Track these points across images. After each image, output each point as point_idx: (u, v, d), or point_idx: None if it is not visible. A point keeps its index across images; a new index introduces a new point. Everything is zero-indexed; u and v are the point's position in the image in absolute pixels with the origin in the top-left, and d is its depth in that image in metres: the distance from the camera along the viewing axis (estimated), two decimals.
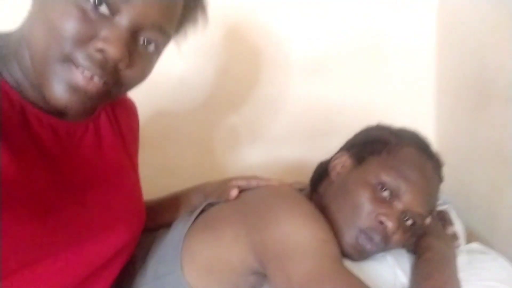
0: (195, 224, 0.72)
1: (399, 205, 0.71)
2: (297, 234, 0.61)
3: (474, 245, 0.90)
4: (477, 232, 1.06)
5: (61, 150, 0.56)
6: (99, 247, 0.59)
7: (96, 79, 0.48)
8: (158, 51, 0.54)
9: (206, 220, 0.72)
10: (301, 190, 0.86)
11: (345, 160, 0.80)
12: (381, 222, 0.70)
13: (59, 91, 0.47)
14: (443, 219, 0.82)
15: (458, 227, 0.89)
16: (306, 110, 1.26)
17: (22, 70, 0.51)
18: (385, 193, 0.72)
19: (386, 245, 0.72)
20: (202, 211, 0.74)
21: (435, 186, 0.76)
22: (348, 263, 0.71)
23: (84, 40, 0.46)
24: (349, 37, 1.27)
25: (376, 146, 0.77)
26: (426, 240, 0.74)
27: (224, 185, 0.80)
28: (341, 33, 1.26)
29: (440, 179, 0.78)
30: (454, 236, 0.79)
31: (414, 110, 1.33)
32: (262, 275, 0.66)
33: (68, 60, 0.47)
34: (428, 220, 0.77)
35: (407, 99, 1.35)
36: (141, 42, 0.51)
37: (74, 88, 0.47)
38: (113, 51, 0.46)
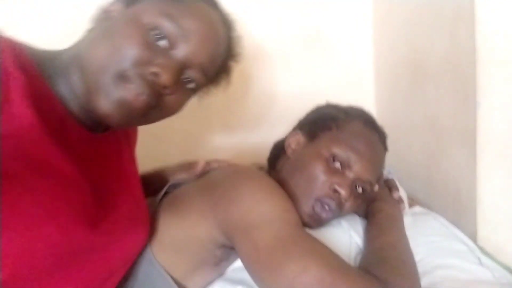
0: (161, 205, 0.74)
1: (350, 174, 0.77)
2: (260, 206, 0.64)
3: (417, 208, 1.01)
4: (417, 198, 1.17)
5: (91, 159, 0.60)
6: (121, 252, 0.62)
7: (143, 96, 0.54)
8: (195, 91, 0.63)
9: (171, 201, 0.74)
10: (260, 168, 0.90)
11: (299, 138, 0.85)
12: (335, 191, 0.75)
13: (106, 102, 0.53)
14: (389, 185, 0.90)
15: (402, 193, 0.98)
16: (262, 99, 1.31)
17: (70, 85, 0.56)
18: (337, 164, 0.77)
19: (340, 211, 0.78)
20: (166, 193, 0.77)
21: (381, 155, 0.84)
22: (307, 231, 0.76)
23: (142, 62, 0.53)
24: (293, 28, 1.35)
25: (326, 122, 0.83)
26: (375, 204, 0.81)
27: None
28: (286, 24, 1.33)
29: (385, 149, 0.85)
30: (400, 200, 0.87)
31: (355, 92, 1.43)
32: (228, 248, 0.69)
33: (122, 77, 0.53)
34: (376, 187, 0.85)
35: (349, 82, 1.45)
36: (185, 78, 0.59)
37: (121, 102, 0.53)
38: (165, 76, 0.53)
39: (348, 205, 0.78)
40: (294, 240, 0.60)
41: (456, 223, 0.98)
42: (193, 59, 0.58)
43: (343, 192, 0.75)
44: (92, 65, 0.53)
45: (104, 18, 0.59)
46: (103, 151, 0.64)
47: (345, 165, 0.77)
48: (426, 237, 0.81)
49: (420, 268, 0.73)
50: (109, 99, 0.53)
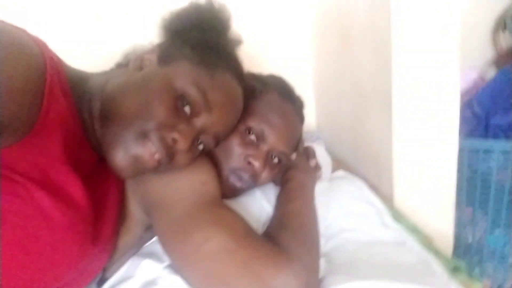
0: None
1: (264, 147, 0.78)
2: (176, 180, 0.65)
3: (339, 173, 1.04)
4: (345, 161, 1.21)
5: (96, 180, 0.62)
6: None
7: (157, 156, 0.57)
8: (203, 151, 0.67)
9: None
10: None
11: None
12: (249, 163, 0.77)
13: (123, 156, 0.56)
14: (307, 153, 0.92)
15: (324, 159, 1.01)
16: None
17: (90, 113, 0.59)
18: (252, 137, 0.78)
19: (256, 182, 0.80)
20: None
21: (297, 126, 0.85)
22: (226, 201, 0.78)
23: (165, 126, 0.57)
24: None
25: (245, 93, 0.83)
26: (288, 172, 0.83)
27: None
28: None
29: (301, 119, 0.87)
30: (316, 167, 0.89)
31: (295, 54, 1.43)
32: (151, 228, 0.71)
33: (143, 135, 0.56)
34: (293, 156, 0.87)
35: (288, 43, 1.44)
36: (198, 142, 0.64)
37: (137, 159, 0.57)
38: (183, 143, 0.58)
39: (264, 175, 0.80)
40: (204, 211, 0.61)
41: (376, 185, 1.04)
42: (210, 128, 0.63)
43: (256, 163, 0.76)
44: (117, 115, 0.56)
45: (138, 66, 0.63)
46: (105, 174, 0.64)
47: (259, 138, 0.79)
48: (338, 202, 0.84)
49: (328, 231, 0.77)
50: (125, 155, 0.56)
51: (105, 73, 0.65)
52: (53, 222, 0.51)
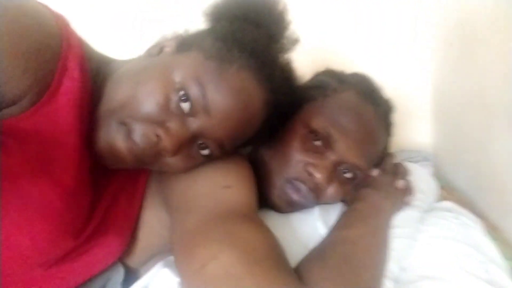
0: None
1: (331, 156, 0.64)
2: (198, 183, 0.56)
3: (445, 203, 0.80)
4: (460, 190, 0.95)
5: (104, 173, 0.58)
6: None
7: (136, 151, 0.51)
8: (209, 157, 0.56)
9: None
10: None
11: None
12: (310, 173, 0.63)
13: (102, 141, 0.51)
14: (396, 171, 0.73)
15: (427, 185, 0.79)
16: None
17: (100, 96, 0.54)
18: (317, 143, 0.65)
19: (318, 198, 0.65)
20: None
21: (379, 134, 0.68)
22: (274, 215, 0.65)
23: (152, 120, 0.50)
24: None
25: (314, 91, 0.70)
26: (362, 190, 0.66)
27: None
28: None
29: (387, 126, 0.69)
30: (405, 191, 0.69)
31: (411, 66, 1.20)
32: None
33: (124, 124, 0.50)
34: (375, 173, 0.69)
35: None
36: (198, 143, 0.54)
37: (113, 147, 0.51)
38: (168, 143, 0.50)
39: (329, 191, 0.65)
40: (218, 222, 0.50)
41: (497, 226, 0.80)
42: (209, 133, 0.53)
43: (318, 175, 0.63)
44: (108, 100, 0.52)
45: (155, 53, 0.57)
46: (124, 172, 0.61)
47: (326, 144, 0.64)
48: (428, 239, 0.64)
49: (403, 275, 0.58)
50: (104, 139, 0.51)
51: (128, 59, 0.59)
52: (26, 198, 0.46)
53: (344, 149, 0.63)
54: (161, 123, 0.50)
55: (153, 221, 0.64)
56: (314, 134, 0.65)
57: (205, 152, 0.55)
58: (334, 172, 0.65)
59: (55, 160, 0.48)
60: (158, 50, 0.57)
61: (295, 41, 0.62)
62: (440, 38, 1.10)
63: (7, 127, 0.44)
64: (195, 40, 0.56)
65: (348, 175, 0.66)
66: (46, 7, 0.48)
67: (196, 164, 0.56)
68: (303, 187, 0.64)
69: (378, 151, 0.69)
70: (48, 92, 0.45)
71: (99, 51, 0.59)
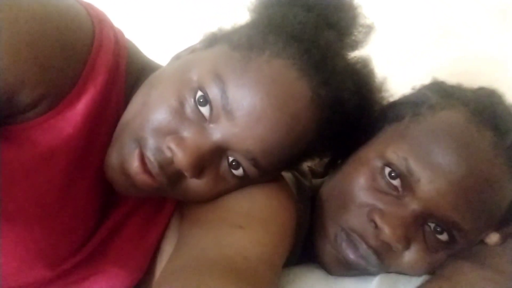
0: None
1: (413, 204, 0.43)
2: (208, 212, 0.45)
3: None
4: None
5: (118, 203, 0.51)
6: None
7: (147, 175, 0.40)
8: (244, 178, 0.44)
9: None
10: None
11: None
12: (375, 224, 0.44)
13: (111, 164, 0.42)
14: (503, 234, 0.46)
15: None
16: None
17: None
18: (394, 182, 0.45)
19: (385, 262, 0.45)
20: None
21: (497, 177, 0.43)
22: (318, 276, 0.47)
23: (163, 131, 0.40)
24: None
25: (402, 108, 0.49)
26: (456, 262, 0.44)
27: None
28: None
29: (505, 163, 0.44)
30: None
31: None
32: None
33: (136, 141, 0.41)
34: (493, 239, 0.45)
35: None
36: (230, 161, 0.42)
37: (124, 170, 0.41)
38: (181, 157, 0.39)
39: (408, 257, 0.45)
40: (200, 272, 0.36)
41: None
42: (234, 145, 0.40)
43: (387, 230, 0.42)
44: (125, 114, 0.44)
45: (183, 55, 0.49)
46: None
47: (407, 185, 0.44)
48: None
49: None
50: (115, 160, 0.42)
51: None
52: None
53: (434, 195, 0.42)
54: (173, 132, 0.40)
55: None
56: (390, 168, 0.45)
57: (239, 172, 0.42)
58: (416, 228, 0.44)
59: (42, 178, 0.41)
60: (189, 52, 0.48)
61: (368, 31, 0.46)
62: None
63: (15, 132, 0.39)
64: (226, 32, 0.46)
65: (442, 236, 0.44)
66: (89, 5, 0.42)
67: (228, 189, 0.44)
68: (362, 244, 0.45)
69: (497, 205, 0.45)
70: (65, 100, 0.39)
71: (147, 57, 0.51)
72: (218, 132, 0.40)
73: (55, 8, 0.38)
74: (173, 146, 0.39)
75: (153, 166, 0.40)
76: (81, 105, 0.40)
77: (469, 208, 0.43)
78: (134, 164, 0.40)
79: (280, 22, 0.42)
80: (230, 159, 0.42)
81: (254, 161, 0.41)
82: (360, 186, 0.46)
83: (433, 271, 0.46)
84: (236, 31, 0.45)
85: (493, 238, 0.45)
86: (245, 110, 0.39)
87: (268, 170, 0.43)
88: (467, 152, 0.43)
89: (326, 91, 0.41)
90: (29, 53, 0.35)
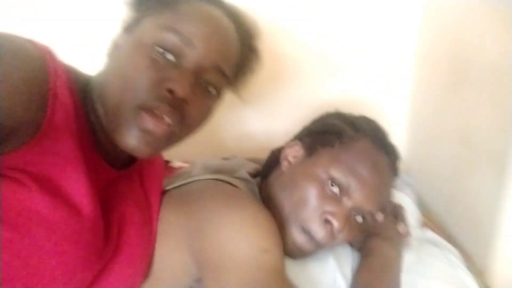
0: None
1: (348, 203, 0.67)
2: (235, 242, 0.56)
3: (429, 234, 0.89)
4: (436, 214, 1.05)
5: (113, 197, 0.59)
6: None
7: (165, 119, 0.52)
8: (218, 94, 0.59)
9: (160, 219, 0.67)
10: (254, 176, 0.80)
11: (297, 150, 0.74)
12: (327, 221, 0.66)
13: (130, 136, 0.51)
14: (396, 214, 0.79)
15: (411, 215, 0.86)
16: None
17: (98, 118, 0.56)
18: (335, 189, 0.67)
19: (330, 243, 0.69)
20: None
21: (388, 182, 0.72)
22: (289, 262, 0.68)
23: (155, 84, 0.51)
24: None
25: (329, 136, 0.71)
26: (372, 241, 0.71)
27: None
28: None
29: (394, 174, 0.73)
30: (405, 234, 0.75)
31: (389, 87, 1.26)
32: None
33: (140, 108, 0.51)
34: (380, 216, 0.74)
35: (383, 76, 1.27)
36: (204, 84, 0.56)
37: (144, 133, 0.51)
38: (181, 89, 0.51)
39: (341, 236, 0.68)
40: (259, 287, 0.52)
41: (470, 254, 0.89)
42: (204, 62, 0.54)
43: (336, 224, 0.65)
44: (110, 101, 0.53)
45: (114, 50, 0.58)
46: (125, 189, 0.62)
47: (343, 191, 0.67)
48: (427, 280, 0.71)
49: None
50: (132, 133, 0.52)
51: (100, 73, 0.59)
52: (51, 226, 0.47)
53: (361, 197, 0.67)
54: (163, 80, 0.51)
55: (169, 259, 0.64)
56: (332, 180, 0.67)
57: (213, 90, 0.57)
58: (349, 218, 0.68)
59: (67, 185, 0.49)
60: (114, 47, 0.58)
61: None
62: (424, 62, 1.16)
63: (13, 162, 0.44)
64: (134, 15, 0.58)
65: (359, 219, 0.70)
66: (30, 41, 0.47)
67: (211, 106, 0.60)
68: (318, 235, 0.66)
69: (387, 196, 0.73)
70: (44, 121, 0.46)
71: (82, 72, 0.59)
72: (190, 61, 0.53)
73: (14, 51, 0.43)
74: (171, 86, 0.51)
75: (164, 110, 0.51)
76: (59, 122, 0.48)
77: (378, 201, 0.69)
78: (150, 122, 0.51)
79: None
80: (203, 82, 0.55)
81: (220, 70, 0.56)
82: (314, 195, 0.67)
83: (353, 241, 0.73)
84: (149, 2, 0.57)
85: (380, 216, 0.74)
86: (198, 35, 0.53)
87: (229, 77, 0.59)
88: (376, 168, 0.69)
89: (230, 13, 0.60)
90: (4, 87, 0.40)
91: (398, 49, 1.23)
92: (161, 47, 0.52)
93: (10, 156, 0.43)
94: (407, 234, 0.75)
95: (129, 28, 0.57)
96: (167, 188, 0.71)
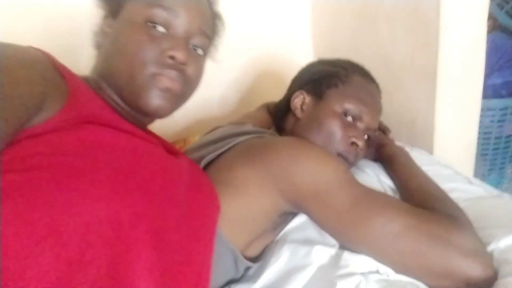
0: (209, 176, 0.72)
1: (361, 126, 0.83)
2: (323, 173, 0.67)
3: None
4: None
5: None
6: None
7: (176, 78, 0.62)
8: (205, 54, 0.69)
9: (217, 174, 0.71)
10: (268, 129, 0.90)
11: (304, 98, 0.87)
12: (353, 143, 0.81)
13: (153, 97, 0.61)
14: (382, 128, 0.99)
15: None
16: None
17: (108, 100, 0.63)
18: (349, 118, 0.83)
19: (358, 160, 0.85)
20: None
21: (380, 102, 0.91)
22: None
23: (158, 54, 0.60)
24: None
25: (329, 80, 0.86)
26: (387, 149, 0.91)
27: None
28: None
29: (380, 96, 0.93)
30: (393, 139, 0.98)
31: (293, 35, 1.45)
32: (287, 213, 0.72)
33: (153, 75, 0.60)
34: (376, 132, 0.93)
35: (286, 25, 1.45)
36: (193, 48, 0.66)
37: (164, 91, 0.61)
38: (180, 54, 0.60)
39: (361, 153, 0.85)
40: (367, 197, 0.66)
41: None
42: (191, 28, 0.63)
43: (360, 143, 0.81)
44: (122, 79, 0.61)
45: (104, 38, 0.65)
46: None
47: (356, 118, 0.83)
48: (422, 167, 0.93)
49: None
50: (154, 94, 0.60)
51: (94, 67, 0.67)
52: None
53: (370, 119, 0.84)
54: (163, 49, 0.60)
55: (257, 202, 0.69)
56: (346, 112, 0.82)
57: (200, 51, 0.67)
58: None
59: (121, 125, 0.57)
60: (102, 35, 0.65)
61: None
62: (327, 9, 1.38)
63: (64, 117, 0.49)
64: (115, 1, 0.65)
65: (365, 137, 0.86)
66: (31, 46, 0.54)
67: (203, 64, 0.69)
68: (350, 156, 0.82)
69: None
70: (69, 88, 0.52)
71: None
72: (180, 30, 0.62)
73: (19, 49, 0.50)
74: (172, 53, 0.60)
75: (173, 74, 0.61)
76: (79, 88, 0.54)
77: (378, 119, 0.88)
78: (167, 81, 0.61)
79: None
80: (192, 47, 0.65)
81: (204, 33, 0.66)
82: (339, 126, 0.81)
83: (366, 155, 0.90)
84: None
85: (378, 132, 0.93)
86: (181, 5, 0.62)
87: (211, 37, 0.70)
88: (373, 94, 0.86)
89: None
90: (24, 72, 0.47)
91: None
92: (152, 22, 0.60)
93: (58, 114, 0.48)
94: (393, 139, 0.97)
95: (113, 14, 0.64)
96: (211, 156, 0.76)
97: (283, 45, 1.50)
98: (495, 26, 1.49)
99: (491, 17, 1.46)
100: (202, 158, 0.76)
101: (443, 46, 1.02)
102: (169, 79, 0.61)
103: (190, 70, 0.63)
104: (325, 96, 0.84)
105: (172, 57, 0.60)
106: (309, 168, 0.67)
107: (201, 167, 0.74)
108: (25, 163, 0.43)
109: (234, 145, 0.76)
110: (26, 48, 0.52)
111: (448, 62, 1.03)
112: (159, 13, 0.61)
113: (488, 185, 0.89)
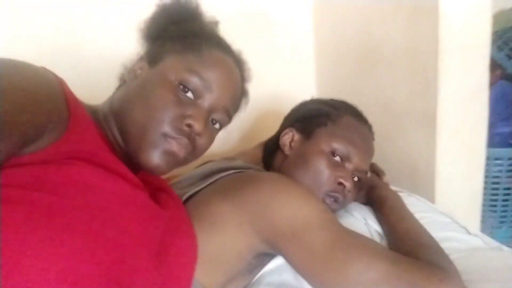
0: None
1: (350, 167, 0.80)
2: (303, 210, 0.64)
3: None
4: None
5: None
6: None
7: (184, 146, 0.61)
8: (219, 129, 0.68)
9: (195, 212, 0.69)
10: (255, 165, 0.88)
11: (293, 135, 0.86)
12: (340, 183, 0.78)
13: (155, 156, 0.59)
14: (375, 170, 0.96)
15: None
16: None
17: (112, 136, 0.63)
18: (337, 158, 0.80)
19: (345, 202, 0.81)
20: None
21: (373, 144, 0.88)
22: None
23: (178, 118, 0.59)
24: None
25: (319, 119, 0.84)
26: (377, 192, 0.87)
27: None
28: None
29: (373, 138, 0.91)
30: (388, 182, 0.94)
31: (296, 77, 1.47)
32: (263, 254, 0.68)
33: (164, 134, 0.59)
34: (369, 174, 0.90)
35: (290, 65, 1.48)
36: (212, 121, 0.66)
37: (168, 154, 0.60)
38: (198, 125, 0.60)
39: (350, 195, 0.81)
40: (345, 239, 0.62)
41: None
42: (217, 105, 0.64)
43: (348, 184, 0.78)
44: (134, 126, 0.60)
45: (132, 77, 0.65)
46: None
47: (344, 159, 0.80)
48: (416, 215, 0.88)
49: None
50: (157, 153, 0.59)
51: (109, 99, 0.67)
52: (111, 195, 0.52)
53: (359, 161, 0.81)
54: (183, 116, 0.60)
55: (232, 242, 0.67)
56: (333, 152, 0.80)
57: (217, 126, 0.67)
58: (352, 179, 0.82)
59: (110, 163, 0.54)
60: (133, 75, 0.65)
61: (216, 21, 0.74)
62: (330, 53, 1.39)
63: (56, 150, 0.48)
64: (158, 51, 0.66)
65: (355, 179, 0.83)
66: (44, 68, 0.53)
67: (214, 137, 0.68)
68: (339, 196, 0.79)
69: (372, 157, 0.90)
70: (70, 118, 0.51)
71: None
72: (206, 102, 0.62)
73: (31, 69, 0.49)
74: (191, 122, 0.59)
75: (184, 141, 0.60)
76: (82, 121, 0.53)
77: (368, 161, 0.85)
78: (175, 146, 0.60)
79: (190, 31, 0.66)
80: (212, 119, 0.65)
81: (227, 112, 0.66)
82: (326, 166, 0.79)
83: (357, 198, 0.86)
84: (167, 45, 0.65)
85: (369, 173, 0.90)
86: (216, 81, 0.63)
87: (232, 117, 0.69)
88: (363, 135, 0.84)
89: (238, 62, 0.71)
90: (30, 97, 0.45)
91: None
92: (185, 86, 0.61)
93: (51, 146, 0.47)
94: (388, 182, 0.93)
95: (152, 61, 0.64)
96: (192, 192, 0.74)
97: (287, 86, 1.51)
98: (502, 76, 1.47)
99: (500, 67, 1.45)
100: (185, 194, 0.74)
101: (442, 92, 0.99)
102: (178, 145, 0.60)
103: (201, 141, 0.63)
104: (314, 134, 0.83)
105: (189, 125, 0.60)
106: (287, 204, 0.64)
107: (182, 202, 0.72)
108: (2, 193, 0.41)
109: (215, 180, 0.75)
110: (39, 70, 0.50)
111: (448, 108, 1.01)
112: (195, 81, 0.61)
113: (489, 237, 0.84)
